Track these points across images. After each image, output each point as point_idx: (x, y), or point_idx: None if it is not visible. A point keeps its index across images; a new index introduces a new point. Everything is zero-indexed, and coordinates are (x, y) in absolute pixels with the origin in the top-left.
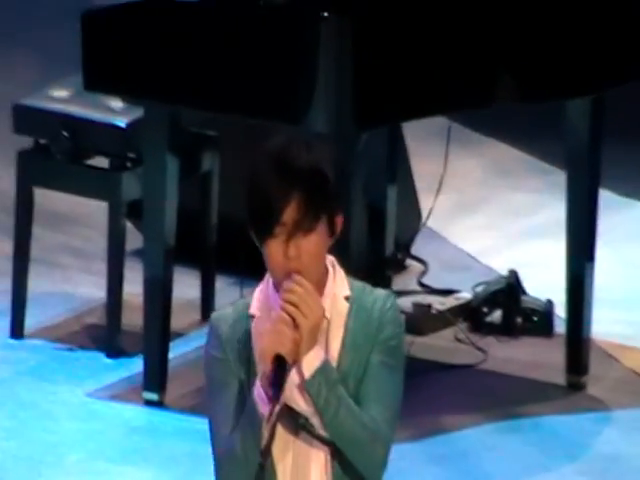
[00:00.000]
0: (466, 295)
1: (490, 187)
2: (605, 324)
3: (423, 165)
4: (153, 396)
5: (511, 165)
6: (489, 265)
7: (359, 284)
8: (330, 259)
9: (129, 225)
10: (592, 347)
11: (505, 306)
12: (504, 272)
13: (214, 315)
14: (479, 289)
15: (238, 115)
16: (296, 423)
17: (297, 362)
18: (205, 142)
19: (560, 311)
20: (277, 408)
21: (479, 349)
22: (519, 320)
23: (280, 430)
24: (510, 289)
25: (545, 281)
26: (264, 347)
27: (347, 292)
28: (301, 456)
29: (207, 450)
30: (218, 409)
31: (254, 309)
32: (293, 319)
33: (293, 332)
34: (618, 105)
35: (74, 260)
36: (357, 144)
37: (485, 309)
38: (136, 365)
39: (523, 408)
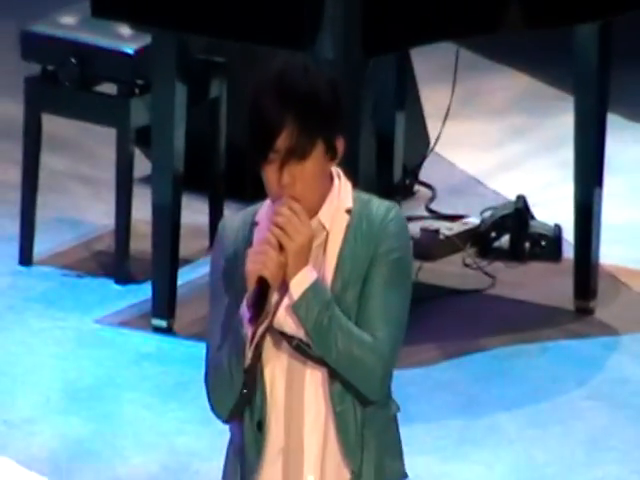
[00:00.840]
0: (474, 220)
1: (499, 112)
2: (614, 249)
3: (431, 91)
4: (162, 323)
5: (520, 90)
6: (497, 190)
7: (365, 196)
8: (336, 170)
9: (137, 152)
10: (600, 272)
11: (513, 231)
12: (512, 197)
13: (222, 220)
14: (487, 214)
15: (245, 41)
16: (289, 344)
17: (285, 284)
18: (213, 69)
19: (569, 236)
20: (260, 330)
21: (487, 274)
22: (527, 245)
23: (272, 350)
24: (518, 214)
25: (554, 206)
26: (248, 268)
27: (349, 204)
28: (295, 378)
29: None
30: (212, 320)
31: (259, 216)
32: (280, 242)
33: (278, 255)
34: (626, 30)
35: (82, 187)
36: (365, 70)
37: (493, 234)
38: (145, 292)
39: (531, 333)
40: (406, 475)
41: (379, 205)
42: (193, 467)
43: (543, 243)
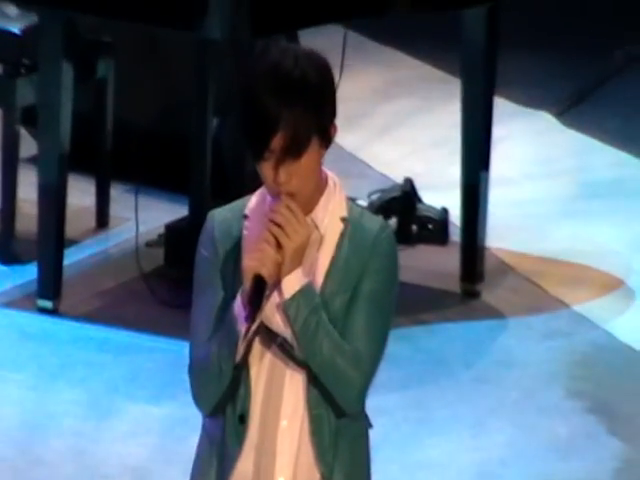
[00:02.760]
0: (362, 203)
1: (386, 95)
2: (500, 232)
3: None
4: (47, 304)
5: (408, 73)
6: (385, 173)
7: (358, 209)
8: (333, 178)
9: (23, 132)
10: (487, 255)
11: (401, 214)
12: (400, 180)
13: (210, 212)
14: (374, 197)
15: (133, 21)
16: (274, 342)
17: (277, 281)
18: (100, 49)
19: (456, 220)
20: (253, 327)
21: None
22: (415, 228)
23: (257, 346)
24: (406, 197)
25: (440, 189)
26: (245, 265)
27: (344, 213)
28: (276, 376)
29: (102, 358)
30: (199, 311)
31: (249, 209)
32: (277, 240)
33: (276, 253)
34: (514, 14)
35: None
36: (252, 51)
37: (381, 216)
38: (30, 272)
39: (418, 316)
40: None
41: (373, 220)
42: (79, 447)
43: (430, 226)
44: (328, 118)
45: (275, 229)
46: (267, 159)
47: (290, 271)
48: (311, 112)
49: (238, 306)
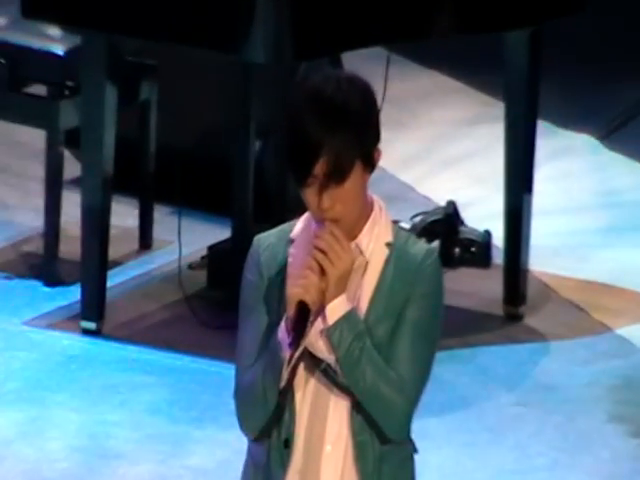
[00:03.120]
0: (404, 225)
1: (429, 118)
2: (543, 255)
3: None
4: (91, 325)
5: (451, 97)
6: (427, 195)
7: (404, 233)
8: (379, 202)
9: (67, 153)
10: (530, 278)
11: (443, 237)
12: (442, 203)
13: (257, 236)
14: (417, 219)
15: (176, 44)
16: (318, 367)
17: (321, 307)
18: (144, 71)
19: (498, 242)
20: (297, 354)
21: None
22: (457, 251)
23: (302, 372)
24: (448, 219)
25: (484, 212)
26: (289, 292)
27: (390, 239)
28: (320, 401)
29: (144, 379)
30: (244, 336)
31: (295, 233)
32: (321, 267)
33: (320, 280)
34: (556, 38)
35: (11, 188)
36: (295, 74)
37: (423, 239)
38: (74, 294)
39: (460, 339)
40: None
41: (419, 245)
42: (120, 471)
43: (473, 249)
44: (371, 142)
45: (319, 255)
46: (310, 185)
47: (334, 297)
48: (354, 137)
49: (282, 332)
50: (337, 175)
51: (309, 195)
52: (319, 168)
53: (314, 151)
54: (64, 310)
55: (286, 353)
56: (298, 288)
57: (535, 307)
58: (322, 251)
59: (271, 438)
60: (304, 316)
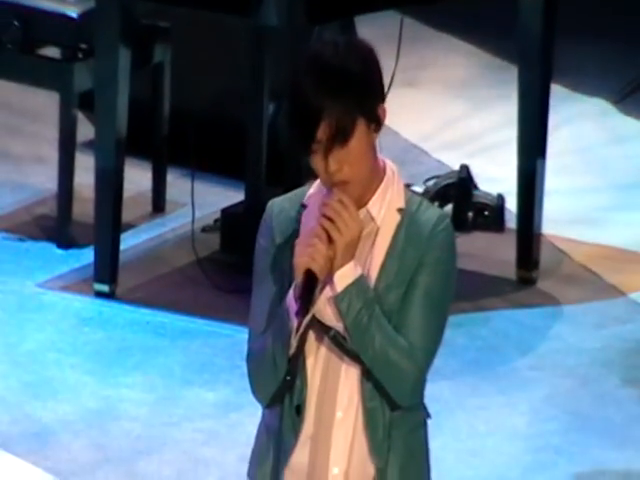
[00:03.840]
0: (417, 189)
1: (442, 82)
2: (556, 219)
3: None
4: (104, 287)
5: (465, 61)
6: (441, 159)
7: (417, 199)
8: (392, 166)
9: (81, 116)
10: (543, 242)
11: (456, 200)
12: (456, 166)
13: (271, 200)
14: (430, 183)
15: (190, 6)
16: (327, 335)
17: (330, 275)
18: (157, 34)
19: (512, 206)
20: (304, 322)
21: None
22: (470, 215)
23: (312, 339)
24: (461, 183)
25: (497, 175)
26: (296, 260)
27: (401, 204)
28: (331, 368)
29: (158, 342)
30: (256, 302)
31: (307, 199)
32: (329, 234)
33: (327, 248)
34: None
35: (25, 150)
36: (309, 37)
37: (436, 203)
38: (87, 256)
39: (474, 303)
40: None
41: (431, 210)
42: (134, 433)
43: (486, 213)
44: (373, 102)
45: (326, 223)
46: (316, 151)
47: (342, 265)
48: (354, 98)
49: (290, 300)
50: (340, 136)
51: (316, 161)
52: (321, 132)
53: (315, 115)
54: (77, 272)
55: (294, 321)
56: (305, 257)
57: (548, 271)
58: (330, 219)
59: (283, 404)
60: (312, 284)
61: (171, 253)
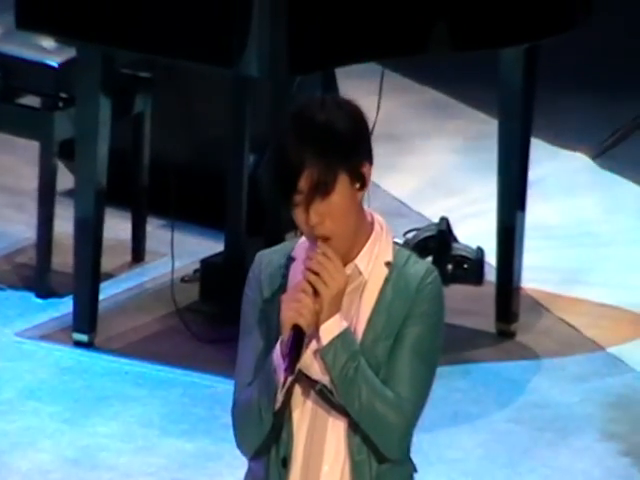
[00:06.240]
0: (397, 241)
1: (423, 135)
2: (535, 273)
3: None
4: (83, 337)
5: (444, 113)
6: (421, 212)
7: (405, 253)
8: (380, 221)
9: (61, 165)
10: (522, 295)
11: (436, 253)
12: (436, 219)
13: (259, 252)
14: (410, 235)
15: (171, 57)
16: (313, 388)
17: (317, 330)
18: (138, 83)
19: (491, 259)
20: (290, 378)
21: None
22: (450, 267)
23: (298, 392)
24: (441, 236)
25: (476, 229)
26: (283, 315)
27: (389, 258)
28: (318, 421)
29: (136, 392)
30: (243, 354)
31: (295, 252)
32: (314, 288)
33: (313, 302)
34: (552, 55)
35: (4, 199)
36: (290, 88)
37: None
38: (66, 306)
39: (453, 355)
40: None
41: (419, 264)
42: None
43: (465, 265)
44: (357, 160)
45: (311, 277)
46: (298, 204)
47: (328, 318)
48: (336, 154)
49: (277, 356)
50: (321, 187)
51: (298, 214)
52: (303, 183)
53: (296, 168)
54: (56, 322)
55: (281, 376)
56: (292, 312)
57: (527, 325)
58: (315, 272)
59: (270, 455)
60: (299, 340)
61: (150, 303)
